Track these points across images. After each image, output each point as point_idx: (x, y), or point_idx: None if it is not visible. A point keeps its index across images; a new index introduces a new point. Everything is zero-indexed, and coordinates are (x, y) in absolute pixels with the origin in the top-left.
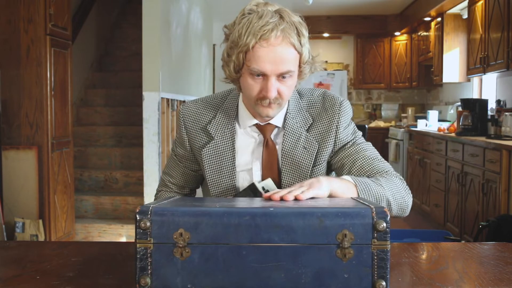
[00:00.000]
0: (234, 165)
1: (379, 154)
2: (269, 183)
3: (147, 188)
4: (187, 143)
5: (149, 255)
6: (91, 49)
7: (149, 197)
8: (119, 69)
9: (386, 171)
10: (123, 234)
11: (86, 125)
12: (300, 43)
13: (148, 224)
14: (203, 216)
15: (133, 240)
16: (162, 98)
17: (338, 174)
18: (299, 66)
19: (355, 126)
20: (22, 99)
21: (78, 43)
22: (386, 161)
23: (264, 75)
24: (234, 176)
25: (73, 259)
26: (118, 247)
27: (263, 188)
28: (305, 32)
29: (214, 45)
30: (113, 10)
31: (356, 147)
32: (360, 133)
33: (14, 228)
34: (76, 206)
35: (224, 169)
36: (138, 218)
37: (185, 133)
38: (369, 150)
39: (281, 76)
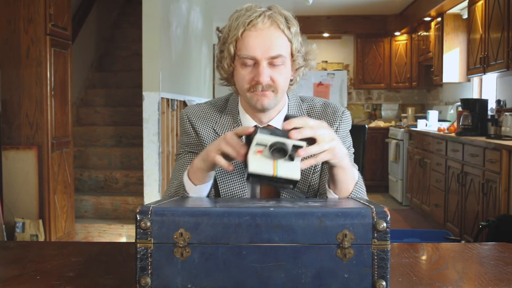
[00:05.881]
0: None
1: (361, 182)
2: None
3: (147, 188)
4: (200, 141)
5: (149, 255)
6: (91, 49)
7: (149, 197)
8: (119, 69)
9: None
10: (123, 234)
11: (86, 125)
12: (290, 31)
13: (149, 224)
14: (203, 216)
15: (133, 240)
16: (162, 98)
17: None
18: (291, 55)
19: (351, 143)
20: (22, 99)
21: (78, 43)
22: (364, 190)
23: (255, 62)
24: (244, 174)
25: (73, 259)
26: (118, 247)
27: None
28: (295, 24)
29: (214, 45)
30: (113, 10)
31: None
32: (353, 151)
33: (14, 228)
34: (76, 206)
35: (235, 167)
36: (138, 218)
37: (194, 133)
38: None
39: (273, 63)
